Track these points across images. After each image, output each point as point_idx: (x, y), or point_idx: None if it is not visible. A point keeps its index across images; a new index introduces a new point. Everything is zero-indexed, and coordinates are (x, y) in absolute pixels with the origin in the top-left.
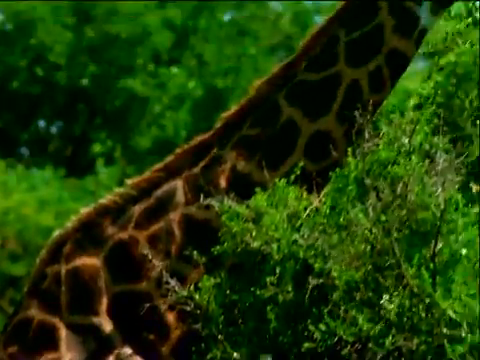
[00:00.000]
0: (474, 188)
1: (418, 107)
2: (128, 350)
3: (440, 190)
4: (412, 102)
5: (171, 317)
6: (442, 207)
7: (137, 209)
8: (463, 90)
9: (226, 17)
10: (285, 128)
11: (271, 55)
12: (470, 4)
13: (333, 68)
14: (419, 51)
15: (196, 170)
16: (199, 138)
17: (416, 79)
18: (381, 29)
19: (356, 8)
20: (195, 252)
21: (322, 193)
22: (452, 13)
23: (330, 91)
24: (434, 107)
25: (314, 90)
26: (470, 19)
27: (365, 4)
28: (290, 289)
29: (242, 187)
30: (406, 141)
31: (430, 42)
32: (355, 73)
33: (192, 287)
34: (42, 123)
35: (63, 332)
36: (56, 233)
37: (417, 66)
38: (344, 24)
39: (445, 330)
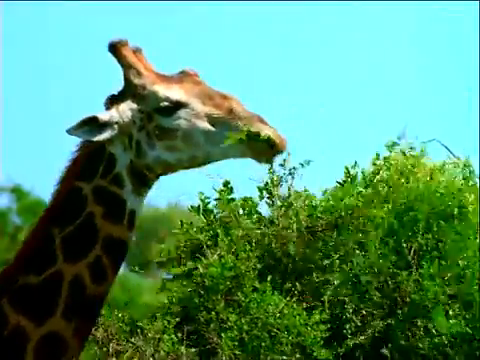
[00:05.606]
0: None
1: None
2: None
3: None
4: (158, 313)
5: None
6: None
7: None
8: (210, 301)
9: None
10: (12, 336)
11: None
12: (210, 219)
13: (53, 267)
14: (155, 261)
15: None
16: None
17: (152, 290)
18: (92, 219)
19: (63, 202)
20: None
21: None
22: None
23: (53, 291)
24: (179, 318)
25: (37, 293)
26: (211, 232)
27: (71, 197)
28: None
29: None
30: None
31: (162, 252)
32: (75, 268)
33: None
34: None
35: None
36: None
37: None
38: (56, 221)
39: None
